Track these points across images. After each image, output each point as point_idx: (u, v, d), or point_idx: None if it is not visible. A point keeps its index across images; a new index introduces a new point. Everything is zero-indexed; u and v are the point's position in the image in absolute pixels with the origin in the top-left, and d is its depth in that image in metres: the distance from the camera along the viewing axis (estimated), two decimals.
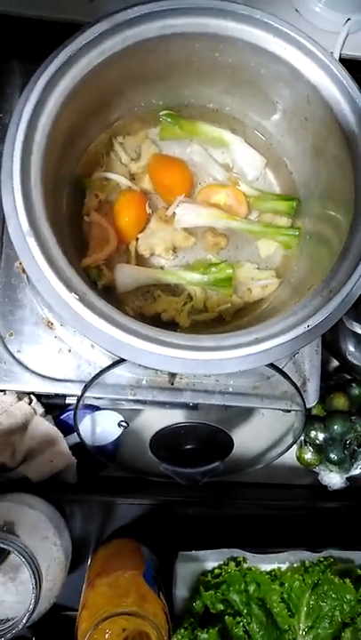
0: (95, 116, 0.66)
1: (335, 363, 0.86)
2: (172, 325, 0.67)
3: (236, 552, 0.68)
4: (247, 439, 0.81)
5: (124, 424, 0.74)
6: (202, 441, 0.68)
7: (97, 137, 0.69)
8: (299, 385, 0.68)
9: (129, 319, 0.52)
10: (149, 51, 0.59)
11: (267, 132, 0.71)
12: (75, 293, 0.50)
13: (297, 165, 0.70)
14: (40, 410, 0.73)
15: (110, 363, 0.64)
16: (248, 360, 0.51)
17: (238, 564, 0.66)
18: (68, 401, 0.75)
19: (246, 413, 0.83)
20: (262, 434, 0.82)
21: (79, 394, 0.64)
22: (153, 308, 0.67)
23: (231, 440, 0.68)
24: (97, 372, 0.63)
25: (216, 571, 0.66)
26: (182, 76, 0.66)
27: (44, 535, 0.61)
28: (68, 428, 0.74)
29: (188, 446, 0.69)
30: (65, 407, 0.76)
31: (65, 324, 0.68)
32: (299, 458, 0.81)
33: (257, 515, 0.75)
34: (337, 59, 0.61)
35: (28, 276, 0.68)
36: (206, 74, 0.65)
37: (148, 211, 0.68)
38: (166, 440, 0.68)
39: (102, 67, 0.56)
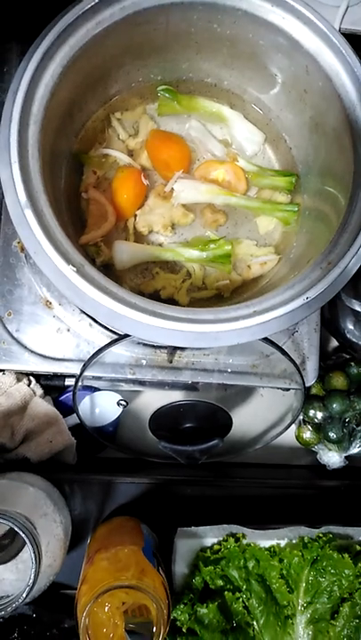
0: (93, 91, 0.65)
1: (334, 343, 0.86)
2: (170, 303, 0.65)
3: (236, 528, 0.67)
4: (246, 420, 0.81)
5: (123, 403, 0.74)
6: (201, 419, 0.69)
7: (95, 112, 0.69)
8: (298, 363, 0.68)
9: (127, 292, 0.52)
10: (148, 21, 0.58)
11: (266, 107, 0.71)
12: (72, 265, 0.49)
13: (296, 140, 0.69)
14: (39, 391, 0.73)
15: (109, 341, 0.64)
16: (246, 332, 0.51)
17: (237, 540, 0.66)
18: (67, 382, 0.76)
19: (245, 394, 0.83)
20: (261, 414, 0.82)
21: (78, 373, 0.64)
22: (152, 286, 0.67)
23: (230, 418, 0.69)
24: (96, 350, 0.63)
25: (215, 547, 0.66)
26: (181, 49, 0.65)
27: (43, 512, 0.61)
28: (67, 410, 0.74)
29: (188, 425, 0.69)
30: (64, 389, 0.77)
31: (63, 303, 0.68)
32: (298, 437, 0.81)
33: (256, 494, 0.74)
34: None
35: (26, 255, 0.68)
36: (205, 46, 0.65)
37: (145, 182, 0.68)
38: (165, 419, 0.68)
39: (100, 38, 0.55)
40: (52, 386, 0.75)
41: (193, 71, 0.69)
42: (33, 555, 0.55)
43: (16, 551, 0.60)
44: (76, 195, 0.67)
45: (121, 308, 0.49)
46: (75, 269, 0.49)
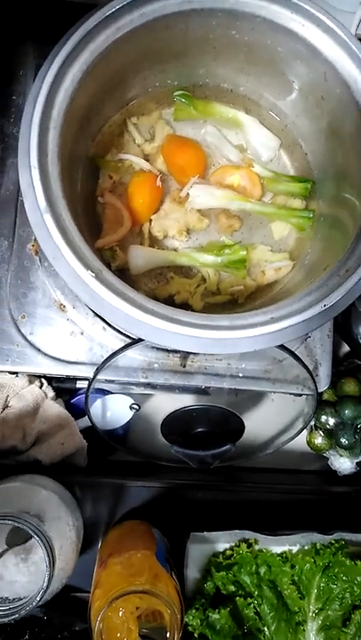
0: (111, 96, 0.65)
1: (346, 348, 0.86)
2: (184, 308, 0.67)
3: (248, 534, 0.67)
4: (257, 424, 0.80)
5: (135, 407, 0.74)
6: (213, 424, 0.68)
7: (112, 117, 0.69)
8: (311, 369, 0.68)
9: (144, 298, 0.52)
10: (167, 28, 0.58)
11: (282, 113, 0.70)
12: (91, 271, 0.50)
13: (312, 146, 0.69)
14: (51, 393, 0.73)
15: (122, 345, 0.64)
16: (263, 339, 0.51)
17: (250, 545, 0.66)
18: (78, 385, 0.76)
19: (256, 399, 0.83)
20: (272, 419, 0.81)
21: (91, 376, 0.64)
22: (166, 290, 0.67)
23: (242, 423, 0.68)
24: (109, 354, 0.63)
25: (227, 552, 0.66)
26: (198, 55, 0.65)
27: (56, 515, 0.61)
28: (78, 412, 0.74)
29: (200, 429, 0.69)
30: (75, 391, 0.77)
31: (77, 307, 0.68)
32: (309, 442, 0.81)
33: (267, 499, 0.75)
34: None
35: (40, 258, 0.68)
36: (222, 52, 0.64)
37: (159, 183, 0.67)
38: (177, 423, 0.68)
39: (120, 43, 0.56)
40: (63, 388, 0.75)
41: (210, 76, 0.69)
42: (47, 558, 0.55)
43: (24, 538, 0.59)
44: (92, 199, 0.67)
45: (138, 313, 0.50)
46: (94, 275, 0.49)
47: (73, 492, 0.69)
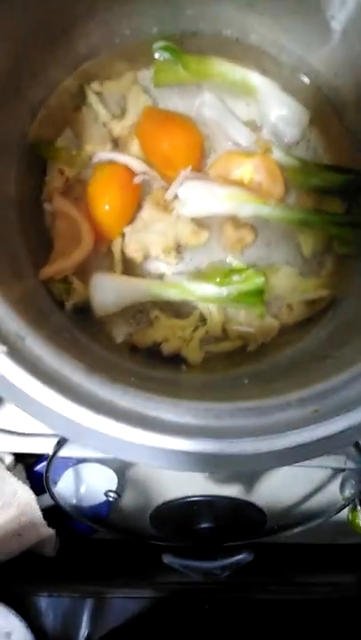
0: (53, 50, 0.51)
1: None
2: (176, 361, 0.55)
3: None
4: (279, 496, 0.67)
5: (112, 495, 0.60)
6: (222, 517, 0.58)
7: (61, 82, 0.54)
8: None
9: (103, 381, 0.35)
10: None
11: (312, 71, 0.56)
12: (2, 344, 0.31)
13: (357, 121, 0.55)
14: (8, 459, 0.63)
15: None
16: (299, 452, 0.33)
17: None
18: None
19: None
20: (300, 490, 0.67)
21: (51, 452, 0.54)
22: (149, 337, 0.55)
23: (263, 514, 0.58)
24: None
25: None
26: None
27: None
28: None
29: (204, 525, 0.58)
30: (40, 456, 0.66)
31: None
32: (351, 522, 0.67)
33: (299, 601, 0.60)
34: None
35: None
36: None
37: (136, 180, 0.54)
38: (172, 516, 0.59)
39: None
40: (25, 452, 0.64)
41: (204, 19, 0.55)
42: None
43: None
44: (36, 205, 0.55)
45: (87, 416, 0.32)
46: (5, 350, 0.30)
47: (30, 607, 0.57)
